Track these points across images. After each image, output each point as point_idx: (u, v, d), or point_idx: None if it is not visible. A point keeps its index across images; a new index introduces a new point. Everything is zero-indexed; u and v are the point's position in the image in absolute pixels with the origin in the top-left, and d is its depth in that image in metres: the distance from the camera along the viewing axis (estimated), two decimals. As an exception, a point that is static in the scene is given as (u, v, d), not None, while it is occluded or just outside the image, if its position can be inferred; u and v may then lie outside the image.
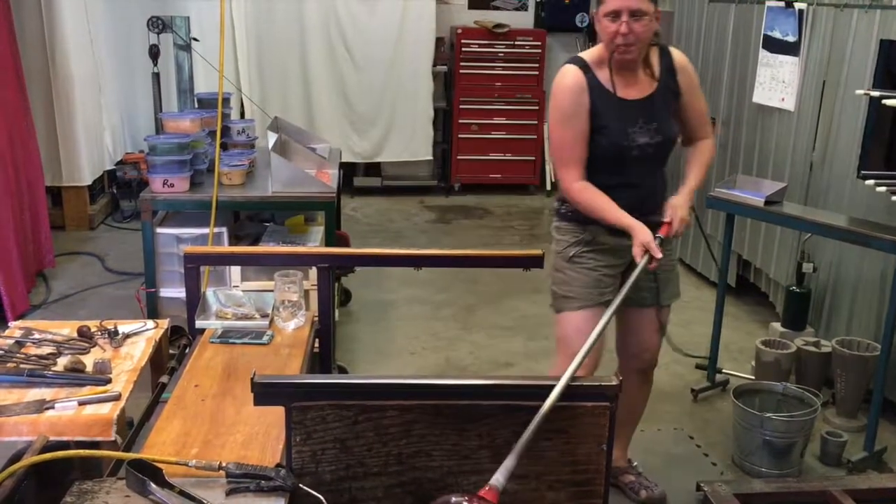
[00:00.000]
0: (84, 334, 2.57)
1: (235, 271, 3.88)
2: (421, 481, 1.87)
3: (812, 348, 3.72)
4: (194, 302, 2.71)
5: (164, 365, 2.62)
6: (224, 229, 4.00)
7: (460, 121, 7.18)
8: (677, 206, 2.64)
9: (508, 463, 1.79)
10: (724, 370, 3.91)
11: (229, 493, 1.74)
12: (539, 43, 7.12)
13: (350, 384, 1.96)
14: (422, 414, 1.84)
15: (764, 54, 4.44)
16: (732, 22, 4.88)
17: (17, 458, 1.91)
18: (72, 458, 1.92)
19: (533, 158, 7.34)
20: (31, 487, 1.85)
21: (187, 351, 2.57)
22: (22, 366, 2.31)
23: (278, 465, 1.80)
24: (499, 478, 1.77)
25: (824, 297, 4.00)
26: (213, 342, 2.56)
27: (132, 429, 2.23)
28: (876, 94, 3.33)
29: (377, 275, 5.14)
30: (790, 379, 3.67)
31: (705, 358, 3.91)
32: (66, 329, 2.61)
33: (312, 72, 6.92)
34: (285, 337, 2.64)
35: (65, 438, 2.07)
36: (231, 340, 2.57)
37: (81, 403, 2.15)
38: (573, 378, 1.90)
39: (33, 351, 2.44)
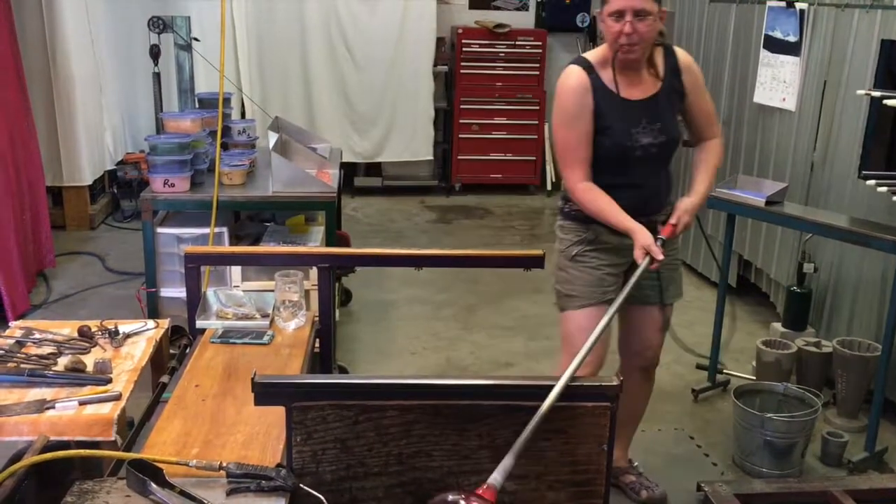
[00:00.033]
0: (84, 334, 2.57)
1: (236, 271, 3.88)
2: (421, 481, 1.87)
3: (813, 348, 3.72)
4: (195, 302, 2.71)
5: (164, 365, 2.62)
6: (225, 229, 4.00)
7: (461, 121, 7.18)
8: (684, 211, 2.64)
9: (506, 462, 1.79)
10: (724, 370, 3.91)
11: (230, 493, 1.74)
12: (540, 43, 7.12)
13: (350, 384, 1.96)
14: (422, 414, 1.84)
15: (765, 54, 4.43)
16: (733, 22, 4.87)
17: (17, 457, 1.91)
18: (72, 458, 1.92)
19: (534, 158, 7.34)
20: (31, 487, 1.85)
21: (188, 351, 2.57)
22: (22, 366, 2.31)
23: (279, 465, 1.80)
24: (496, 477, 1.78)
25: (825, 297, 4.00)
26: (213, 342, 2.56)
27: (133, 429, 2.23)
28: (877, 94, 3.32)
29: (378, 275, 5.14)
30: (791, 379, 3.67)
31: (705, 357, 3.91)
32: (66, 329, 2.61)
33: (313, 71, 6.92)
34: (286, 337, 2.64)
35: (65, 438, 2.07)
36: (231, 340, 2.57)
37: (82, 403, 2.15)
38: (573, 378, 1.91)
39: (34, 351, 2.44)
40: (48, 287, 4.94)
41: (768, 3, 4.38)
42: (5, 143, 4.57)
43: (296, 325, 2.68)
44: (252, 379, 1.79)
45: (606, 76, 2.61)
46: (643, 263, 2.49)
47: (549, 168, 7.45)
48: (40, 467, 1.85)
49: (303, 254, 3.19)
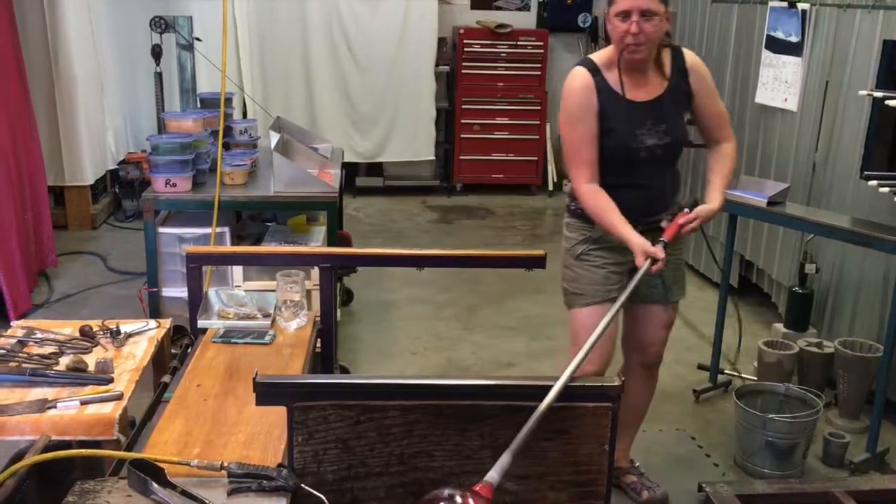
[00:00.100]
0: (86, 334, 2.57)
1: (237, 271, 3.88)
2: (423, 481, 1.86)
3: (814, 349, 3.71)
4: (196, 302, 2.71)
5: (166, 364, 2.62)
6: (226, 229, 4.00)
7: (462, 121, 7.18)
8: (697, 216, 2.61)
9: (504, 460, 1.79)
10: (726, 371, 3.91)
11: (231, 492, 1.74)
12: (541, 43, 7.12)
13: (352, 384, 1.96)
14: (424, 414, 1.84)
15: (767, 55, 4.43)
16: (735, 22, 4.87)
17: (19, 457, 1.91)
18: (74, 458, 1.92)
19: (535, 159, 7.34)
20: (33, 487, 1.85)
21: (189, 351, 2.57)
22: (24, 365, 2.31)
23: (280, 465, 1.80)
24: (493, 474, 1.78)
25: (827, 297, 3.99)
26: (215, 342, 2.56)
27: (134, 428, 2.23)
28: (879, 94, 3.32)
29: (379, 275, 5.14)
30: (792, 380, 3.67)
31: (706, 361, 3.91)
32: (68, 328, 2.61)
33: (315, 71, 6.92)
34: (287, 337, 2.64)
35: (67, 438, 2.07)
36: (233, 340, 2.57)
37: (83, 403, 2.15)
38: (575, 377, 1.91)
39: (35, 350, 2.44)
40: (50, 287, 4.94)
41: (770, 4, 4.38)
42: (7, 143, 4.57)
43: (297, 325, 2.68)
44: (254, 379, 1.79)
45: (612, 77, 2.62)
46: (644, 266, 2.49)
47: (551, 168, 7.45)
48: (42, 467, 1.85)
49: (304, 254, 3.19)
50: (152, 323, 2.71)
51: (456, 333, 4.51)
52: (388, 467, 1.86)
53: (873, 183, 3.29)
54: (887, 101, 3.24)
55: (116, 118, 6.41)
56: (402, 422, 1.84)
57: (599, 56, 2.68)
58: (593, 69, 2.65)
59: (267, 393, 1.81)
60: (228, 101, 4.39)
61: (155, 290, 3.94)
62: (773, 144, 4.45)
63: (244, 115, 6.53)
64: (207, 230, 3.81)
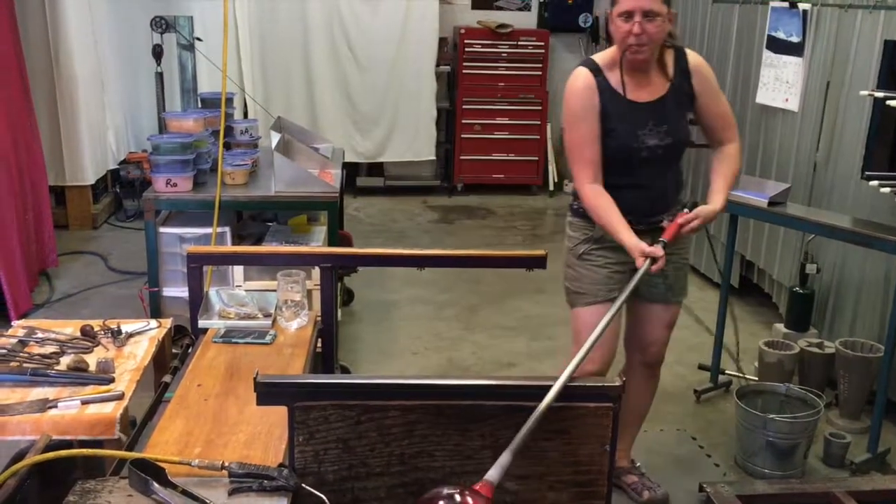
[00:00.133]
0: (87, 333, 2.57)
1: (238, 271, 3.88)
2: (423, 482, 1.86)
3: (815, 349, 3.71)
4: (197, 301, 2.71)
5: (166, 364, 2.62)
6: (227, 229, 4.00)
7: (463, 121, 7.18)
8: (697, 215, 2.61)
9: (504, 459, 1.79)
10: (727, 371, 3.91)
11: (232, 492, 1.74)
12: (542, 43, 7.12)
13: (353, 384, 1.96)
14: (424, 414, 1.84)
15: (768, 55, 4.43)
16: (736, 22, 4.87)
17: (20, 457, 1.91)
18: (75, 458, 1.92)
19: (536, 159, 7.33)
20: (34, 486, 1.85)
21: (190, 350, 2.57)
22: (25, 365, 2.31)
23: (281, 465, 1.80)
24: (493, 473, 1.77)
25: (828, 298, 3.99)
26: (215, 342, 2.56)
27: (135, 428, 2.23)
28: (880, 94, 3.32)
29: (380, 275, 5.14)
30: (793, 380, 3.67)
31: (706, 364, 3.91)
32: (69, 328, 2.61)
33: (316, 72, 6.92)
34: (288, 337, 2.64)
35: (68, 438, 2.07)
36: (234, 340, 2.57)
37: (84, 403, 2.15)
38: (575, 378, 1.91)
39: (36, 350, 2.44)
40: (51, 286, 4.95)
41: (771, 4, 4.38)
42: (8, 143, 4.57)
43: (298, 325, 2.68)
44: (254, 379, 1.79)
45: (614, 78, 2.63)
46: (644, 266, 2.50)
47: (552, 168, 7.45)
48: (43, 466, 1.85)
49: (305, 254, 3.19)
50: (153, 323, 2.71)
51: (457, 333, 4.51)
52: (389, 467, 1.86)
53: (874, 183, 3.29)
54: (888, 102, 3.24)
55: (117, 118, 6.41)
56: (402, 422, 1.84)
57: (602, 56, 2.69)
58: (595, 69, 2.66)
59: (268, 393, 1.81)
60: (229, 101, 4.39)
61: (156, 289, 3.94)
62: (774, 145, 4.45)
63: (245, 115, 6.53)
64: (208, 230, 3.81)
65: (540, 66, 7.15)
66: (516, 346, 4.36)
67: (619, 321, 2.84)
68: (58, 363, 2.35)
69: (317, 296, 3.00)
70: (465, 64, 7.07)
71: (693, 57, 2.72)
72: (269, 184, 3.99)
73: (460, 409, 1.85)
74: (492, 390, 1.91)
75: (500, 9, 7.43)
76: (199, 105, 4.66)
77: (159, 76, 4.92)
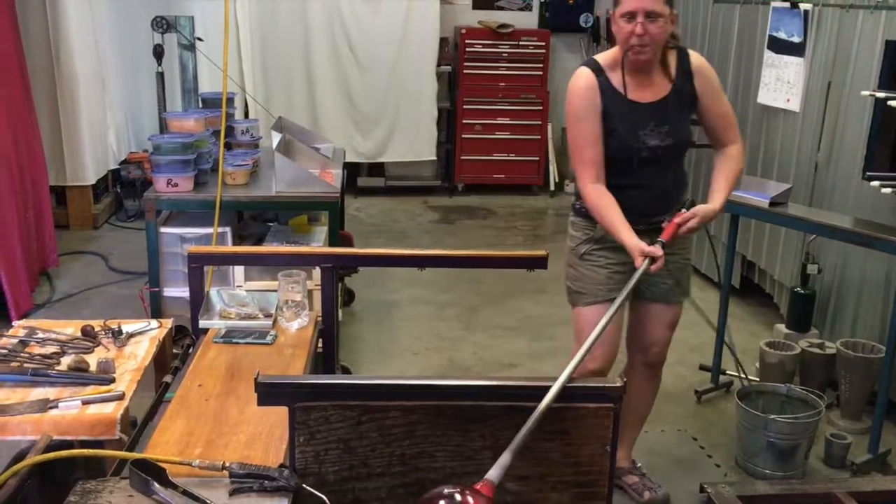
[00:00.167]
0: (88, 334, 2.57)
1: (239, 271, 3.88)
2: (424, 482, 1.86)
3: (816, 350, 3.71)
4: (198, 302, 2.70)
5: (167, 364, 2.62)
6: (228, 229, 4.00)
7: (464, 121, 7.18)
8: (694, 215, 2.61)
9: (504, 459, 1.79)
10: (727, 372, 3.90)
11: (233, 493, 1.74)
12: (543, 43, 7.12)
13: (353, 385, 1.96)
14: (425, 415, 1.84)
15: (769, 55, 4.43)
16: (737, 22, 4.87)
17: (20, 457, 1.91)
18: (75, 458, 1.92)
19: (537, 159, 7.33)
20: (34, 487, 1.85)
21: (191, 351, 2.57)
22: (26, 365, 2.31)
23: (282, 466, 1.80)
24: (494, 473, 1.77)
25: (829, 298, 3.99)
26: (216, 342, 2.56)
27: (136, 428, 2.23)
28: (881, 95, 3.32)
29: (380, 275, 5.14)
30: (794, 380, 3.66)
31: (708, 365, 3.90)
32: (69, 328, 2.61)
33: (316, 72, 6.92)
34: (289, 337, 2.64)
35: (68, 438, 2.07)
36: (234, 340, 2.57)
37: (85, 403, 2.15)
38: (576, 378, 1.91)
39: (37, 350, 2.44)
40: (51, 286, 4.95)
41: (772, 4, 4.37)
42: (9, 143, 4.57)
43: (299, 326, 2.68)
44: (255, 379, 1.79)
45: (616, 78, 2.64)
46: (643, 266, 2.50)
47: (553, 168, 7.45)
48: (43, 467, 1.85)
49: (306, 254, 3.19)
50: (154, 323, 2.71)
51: (457, 334, 4.51)
52: (390, 468, 1.86)
53: (875, 184, 3.29)
54: (890, 102, 3.24)
55: (118, 117, 6.41)
56: (403, 422, 1.83)
57: (604, 56, 2.71)
58: (597, 69, 2.67)
59: (268, 393, 1.80)
60: (230, 101, 4.39)
61: (156, 290, 3.94)
62: (776, 145, 4.45)
63: (246, 115, 6.53)
64: (209, 230, 3.81)
65: (541, 66, 7.15)
66: (517, 347, 4.36)
67: (620, 320, 2.85)
68: (58, 363, 2.35)
69: (317, 296, 3.00)
70: (465, 64, 7.07)
71: (695, 58, 2.72)
72: (270, 184, 3.99)
73: (461, 410, 1.85)
74: (492, 391, 1.91)
75: (501, 9, 7.43)
76: (200, 105, 4.66)
77: (160, 76, 4.93)
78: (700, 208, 2.64)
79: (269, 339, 2.59)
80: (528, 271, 2.77)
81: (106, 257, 5.47)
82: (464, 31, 7.06)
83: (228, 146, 4.28)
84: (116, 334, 2.56)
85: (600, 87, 2.65)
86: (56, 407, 2.12)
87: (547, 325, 4.57)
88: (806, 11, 4.12)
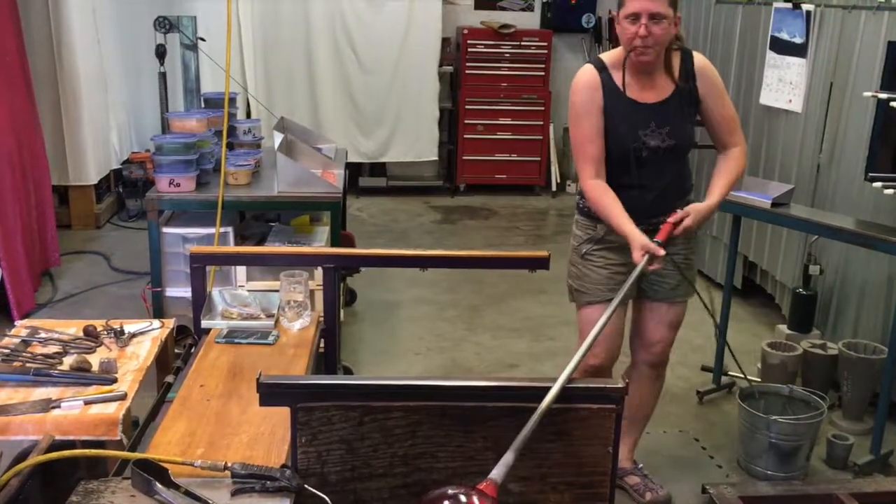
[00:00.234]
0: (90, 334, 2.57)
1: (241, 271, 3.88)
2: (426, 483, 1.86)
3: (818, 351, 3.70)
4: (200, 302, 2.71)
5: (169, 364, 2.63)
6: (230, 229, 4.01)
7: (466, 121, 7.18)
8: (686, 214, 2.63)
9: (507, 458, 1.79)
10: (730, 372, 3.90)
11: (234, 493, 1.74)
12: (545, 43, 7.11)
13: (355, 385, 1.96)
14: (427, 415, 1.84)
15: (771, 56, 4.42)
16: (739, 23, 4.86)
17: (22, 457, 1.92)
18: (77, 458, 1.92)
19: (538, 159, 7.33)
20: (36, 486, 1.85)
21: (193, 351, 2.57)
22: (28, 365, 2.31)
23: (284, 466, 1.80)
24: (497, 472, 1.77)
25: (831, 299, 3.99)
26: (218, 342, 2.56)
27: (137, 428, 2.23)
28: (884, 95, 3.32)
29: (382, 275, 5.14)
30: (796, 381, 3.66)
31: (710, 365, 3.90)
32: (72, 328, 2.61)
33: (318, 72, 6.92)
34: (291, 337, 2.64)
35: (70, 438, 2.07)
36: (236, 340, 2.57)
37: (87, 403, 2.16)
38: (577, 378, 1.92)
39: (39, 350, 2.44)
40: (54, 286, 4.95)
41: (775, 5, 4.37)
42: (12, 143, 4.58)
43: (301, 326, 2.68)
44: (257, 379, 1.79)
45: (619, 77, 2.67)
46: (641, 263, 2.51)
47: (554, 169, 7.45)
48: (45, 467, 1.85)
49: (308, 254, 3.19)
50: (156, 323, 2.72)
51: (459, 334, 4.51)
52: (392, 468, 1.86)
53: (877, 185, 3.28)
54: (892, 103, 3.23)
55: (120, 118, 6.42)
56: (405, 423, 1.83)
57: (609, 55, 2.74)
58: (601, 67, 2.70)
59: (270, 393, 1.81)
60: (232, 101, 4.39)
61: (158, 290, 3.94)
62: (778, 146, 4.45)
63: (248, 115, 6.53)
64: (211, 230, 3.81)
65: (543, 66, 7.15)
66: (519, 347, 4.36)
67: (622, 318, 2.87)
68: (61, 363, 2.36)
69: (319, 296, 3.01)
70: (467, 64, 7.07)
71: (699, 59, 2.73)
72: (272, 184, 3.99)
73: (463, 411, 1.85)
74: (494, 392, 1.91)
75: (503, 9, 7.43)
76: (202, 105, 4.66)
77: (162, 76, 4.94)
78: (693, 206, 2.66)
79: (270, 339, 2.59)
80: (530, 272, 2.77)
81: (108, 257, 5.47)
82: (466, 31, 7.06)
83: (230, 146, 4.28)
84: (118, 334, 2.57)
85: (602, 84, 2.67)
86: (58, 407, 2.13)
87: (548, 325, 4.57)
88: (808, 12, 4.11)
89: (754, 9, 4.69)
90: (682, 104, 2.69)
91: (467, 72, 7.08)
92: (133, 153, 6.52)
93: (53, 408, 2.12)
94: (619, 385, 1.87)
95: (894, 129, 3.66)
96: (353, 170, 7.00)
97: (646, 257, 2.51)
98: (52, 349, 2.45)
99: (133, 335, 2.60)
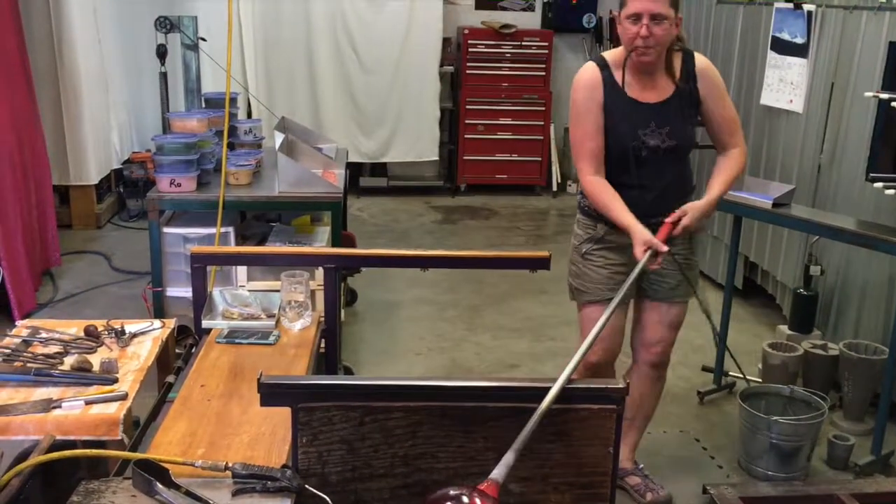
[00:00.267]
0: (91, 333, 2.57)
1: (242, 271, 3.88)
2: (426, 483, 1.86)
3: (819, 351, 3.70)
4: (201, 302, 2.71)
5: (170, 364, 2.63)
6: (230, 229, 4.01)
7: (466, 121, 7.18)
8: (683, 213, 2.65)
9: (508, 458, 1.79)
10: (730, 372, 3.90)
11: (235, 493, 1.74)
12: (546, 43, 7.11)
13: (356, 385, 1.96)
14: (428, 415, 1.83)
15: (772, 56, 4.42)
16: (741, 23, 4.86)
17: (23, 457, 1.92)
18: (78, 458, 1.92)
19: (539, 159, 7.33)
20: (37, 486, 1.85)
21: (193, 351, 2.57)
22: (29, 365, 2.31)
23: (284, 466, 1.80)
24: (498, 472, 1.77)
25: (832, 299, 3.98)
26: (219, 342, 2.56)
27: (138, 428, 2.23)
28: (885, 96, 3.31)
29: (383, 275, 5.14)
30: (797, 382, 3.66)
31: (711, 367, 3.90)
32: (72, 328, 2.61)
33: (319, 72, 6.92)
34: (291, 337, 2.64)
35: (71, 438, 2.07)
36: (237, 340, 2.57)
37: (88, 403, 2.16)
38: (577, 378, 1.92)
39: (40, 350, 2.44)
40: (54, 286, 4.95)
41: (776, 5, 4.37)
42: (13, 143, 4.58)
43: (301, 326, 2.68)
44: (258, 380, 1.79)
45: (620, 75, 2.68)
46: (643, 260, 2.51)
47: (555, 169, 7.45)
48: (46, 467, 1.85)
49: (308, 254, 3.19)
50: (157, 323, 2.71)
51: (460, 334, 4.51)
52: (392, 469, 1.86)
53: (879, 185, 3.28)
54: (893, 103, 3.23)
55: (121, 117, 6.42)
56: (406, 423, 1.83)
57: (612, 54, 2.75)
58: (603, 65, 2.72)
59: (271, 394, 1.80)
60: (233, 101, 4.39)
61: (159, 289, 3.94)
62: (779, 146, 4.45)
63: (249, 115, 6.54)
64: (212, 230, 3.81)
65: (543, 66, 7.15)
66: (519, 347, 4.36)
67: (624, 316, 2.87)
68: (61, 363, 2.36)
69: (320, 296, 3.01)
70: (468, 64, 7.07)
71: (701, 60, 2.74)
72: (273, 184, 3.99)
73: (464, 411, 1.85)
74: (495, 392, 1.91)
75: (504, 9, 7.43)
76: (203, 105, 4.66)
77: (163, 76, 4.94)
78: (690, 205, 2.67)
79: (271, 339, 2.59)
80: (531, 272, 2.77)
81: (109, 257, 5.47)
82: (466, 31, 7.06)
83: (231, 146, 4.28)
84: (119, 334, 2.57)
85: (604, 81, 2.69)
86: (59, 407, 2.13)
87: (549, 325, 4.57)
88: (809, 12, 4.11)
89: (755, 9, 4.68)
90: (683, 105, 2.70)
91: (468, 72, 7.08)
92: (134, 153, 6.52)
93: (54, 408, 2.12)
94: (620, 385, 1.87)
95: (895, 129, 3.66)
96: (354, 170, 7.00)
97: (648, 254, 2.52)
98: (53, 349, 2.45)
99: (134, 335, 2.60)
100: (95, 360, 2.39)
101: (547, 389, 1.84)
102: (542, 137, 7.27)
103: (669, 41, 2.62)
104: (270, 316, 2.73)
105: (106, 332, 2.59)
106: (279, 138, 4.19)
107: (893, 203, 3.40)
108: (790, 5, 4.25)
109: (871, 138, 3.63)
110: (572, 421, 1.86)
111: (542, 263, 2.72)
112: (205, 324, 2.66)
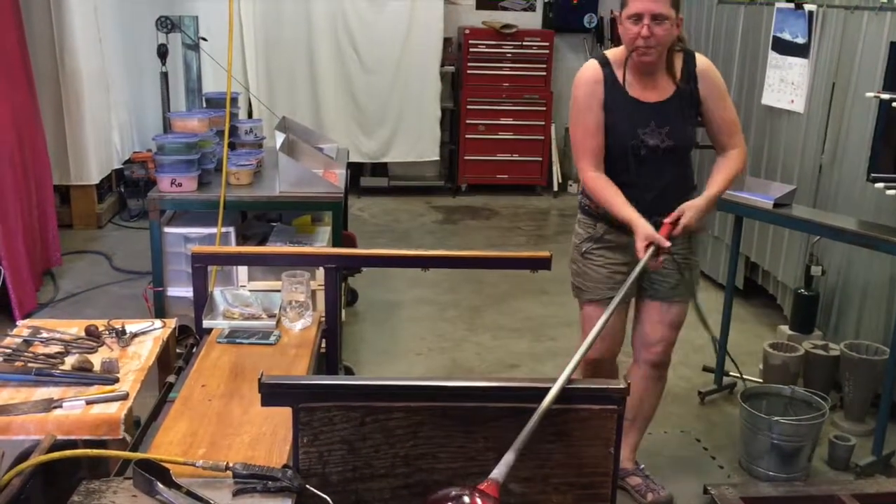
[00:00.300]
0: (92, 333, 2.57)
1: (243, 271, 3.88)
2: (427, 483, 1.86)
3: (820, 351, 3.70)
4: (201, 301, 2.71)
5: (171, 364, 2.63)
6: (231, 229, 4.01)
7: (467, 121, 7.18)
8: (685, 210, 2.65)
9: (508, 457, 1.79)
10: (731, 373, 3.90)
11: (236, 493, 1.74)
12: (547, 43, 7.11)
13: (357, 385, 1.96)
14: (429, 416, 1.83)
15: (773, 56, 4.42)
16: (741, 23, 4.86)
17: (24, 457, 1.92)
18: (79, 458, 1.92)
19: (540, 159, 7.33)
20: (38, 486, 1.85)
21: (194, 351, 2.57)
22: (30, 365, 2.31)
23: (285, 466, 1.80)
24: (498, 472, 1.77)
25: (833, 300, 3.98)
26: (220, 342, 2.56)
27: (139, 428, 2.23)
28: (886, 96, 3.31)
29: (384, 275, 5.14)
30: (798, 382, 3.66)
31: (712, 367, 3.90)
32: (73, 328, 2.61)
33: (320, 72, 6.92)
34: (292, 337, 2.64)
35: (72, 437, 2.07)
36: (238, 340, 2.57)
37: (89, 403, 2.16)
38: (577, 377, 1.92)
39: (41, 350, 2.44)
40: (55, 286, 4.95)
41: (777, 5, 4.37)
42: (14, 143, 4.58)
43: (302, 326, 2.68)
44: (259, 380, 1.79)
45: (621, 74, 2.69)
46: (645, 257, 2.51)
47: (556, 169, 7.45)
48: (47, 466, 1.85)
49: (309, 254, 3.20)
50: (157, 323, 2.71)
51: (460, 334, 4.51)
52: (393, 469, 1.86)
53: (880, 185, 3.28)
54: (894, 104, 3.23)
55: (122, 117, 6.42)
56: (406, 423, 1.83)
57: (613, 53, 2.76)
58: (604, 63, 2.73)
59: (272, 394, 1.80)
60: (234, 100, 4.39)
61: (160, 289, 3.94)
62: (780, 146, 4.44)
63: (249, 115, 6.54)
64: (213, 230, 3.81)
65: (544, 66, 7.15)
66: (520, 347, 4.36)
67: (625, 314, 2.88)
68: (62, 363, 2.36)
69: (321, 296, 3.01)
70: (469, 64, 7.07)
71: (702, 61, 2.75)
72: (274, 184, 3.99)
73: (464, 411, 1.85)
74: (495, 392, 1.91)
75: (505, 9, 7.43)
76: (204, 105, 4.67)
77: (164, 76, 4.94)
78: (687, 204, 2.67)
79: (272, 339, 2.59)
80: (532, 272, 2.77)
81: (109, 257, 5.48)
82: (467, 31, 7.06)
83: (232, 146, 4.28)
84: (120, 334, 2.57)
85: (604, 78, 2.70)
86: (60, 407, 2.13)
87: (549, 325, 4.57)
88: (810, 12, 4.11)
89: (756, 9, 4.68)
90: (683, 105, 2.70)
91: (469, 72, 7.08)
92: (135, 153, 6.52)
93: (55, 408, 2.13)
94: (621, 386, 1.87)
95: (896, 129, 3.66)
96: (355, 170, 7.00)
97: (650, 251, 2.52)
98: (54, 349, 2.45)
99: (135, 335, 2.60)
100: (96, 359, 2.39)
101: (547, 389, 1.84)
102: (542, 137, 7.27)
103: (670, 41, 2.63)
104: (271, 316, 2.73)
105: (107, 332, 2.59)
106: (280, 138, 4.19)
107: (894, 203, 3.40)
108: (791, 5, 4.24)
109: (872, 139, 3.63)
110: (573, 421, 1.86)
111: (543, 264, 2.72)
112: (206, 324, 2.66)
